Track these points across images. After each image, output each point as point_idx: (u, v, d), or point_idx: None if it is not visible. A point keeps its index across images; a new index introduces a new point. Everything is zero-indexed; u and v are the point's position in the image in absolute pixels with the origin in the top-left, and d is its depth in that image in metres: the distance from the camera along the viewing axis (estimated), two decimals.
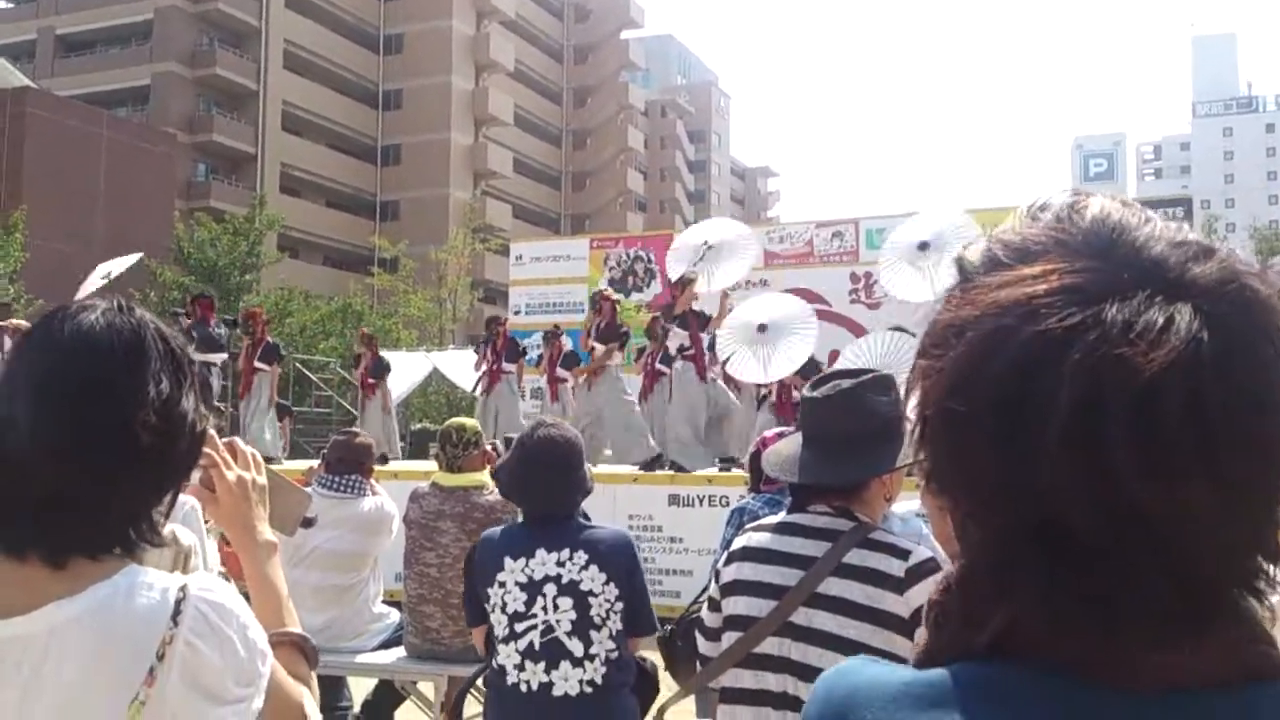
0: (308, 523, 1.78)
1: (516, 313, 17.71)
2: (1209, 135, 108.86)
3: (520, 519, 3.38)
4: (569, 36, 64.45)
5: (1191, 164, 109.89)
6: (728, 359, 9.07)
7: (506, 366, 12.25)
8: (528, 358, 15.28)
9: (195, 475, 1.42)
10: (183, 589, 1.20)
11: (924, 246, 8.38)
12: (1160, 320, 0.64)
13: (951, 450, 0.69)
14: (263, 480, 1.50)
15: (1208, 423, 0.63)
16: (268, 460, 6.18)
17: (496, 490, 4.62)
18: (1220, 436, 0.63)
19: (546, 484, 3.21)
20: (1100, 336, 0.63)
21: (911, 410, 0.75)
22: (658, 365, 10.45)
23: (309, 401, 25.90)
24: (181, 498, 1.44)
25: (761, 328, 8.84)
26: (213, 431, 1.45)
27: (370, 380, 13.20)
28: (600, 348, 10.59)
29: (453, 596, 4.49)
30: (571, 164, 64.15)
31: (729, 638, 2.31)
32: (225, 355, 12.31)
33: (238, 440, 1.50)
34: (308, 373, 25.93)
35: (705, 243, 10.26)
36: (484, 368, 12.25)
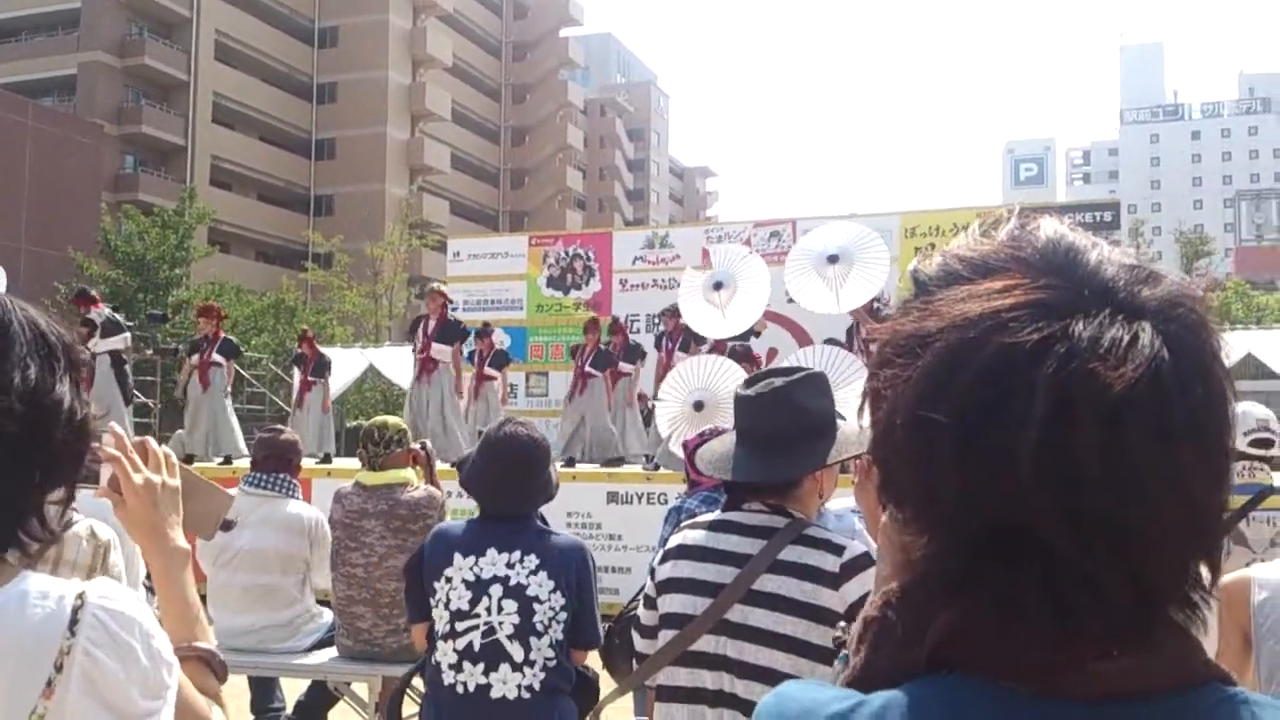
0: (227, 525, 1.70)
1: (454, 309, 17.56)
2: (1137, 141, 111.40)
3: (476, 516, 3.32)
4: (508, 33, 64.12)
5: (1120, 169, 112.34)
6: (794, 289, 8.75)
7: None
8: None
9: (104, 476, 1.36)
10: (80, 596, 1.13)
11: (833, 259, 8.42)
12: (1125, 338, 0.66)
13: (917, 457, 0.70)
14: (175, 483, 1.43)
15: (1172, 438, 0.65)
16: (227, 459, 6.08)
17: (421, 487, 4.58)
18: (1184, 451, 0.66)
19: (505, 482, 3.16)
20: (1070, 351, 0.65)
21: (870, 419, 0.76)
22: (587, 368, 11.27)
23: (241, 398, 25.43)
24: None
25: (833, 258, 8.46)
26: (121, 431, 1.40)
27: (311, 379, 12.97)
28: (630, 367, 11.65)
29: (382, 596, 4.44)
30: (510, 161, 63.85)
31: (665, 635, 2.31)
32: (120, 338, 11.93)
33: (150, 440, 1.43)
34: (239, 369, 25.48)
35: (716, 283, 9.87)
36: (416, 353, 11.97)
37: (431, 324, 11.25)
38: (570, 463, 10.31)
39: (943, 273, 0.74)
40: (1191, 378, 0.67)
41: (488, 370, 12.46)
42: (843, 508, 3.57)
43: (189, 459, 11.43)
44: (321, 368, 13.02)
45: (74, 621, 1.11)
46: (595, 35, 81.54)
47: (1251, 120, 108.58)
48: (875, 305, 9.75)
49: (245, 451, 11.61)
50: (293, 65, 50.72)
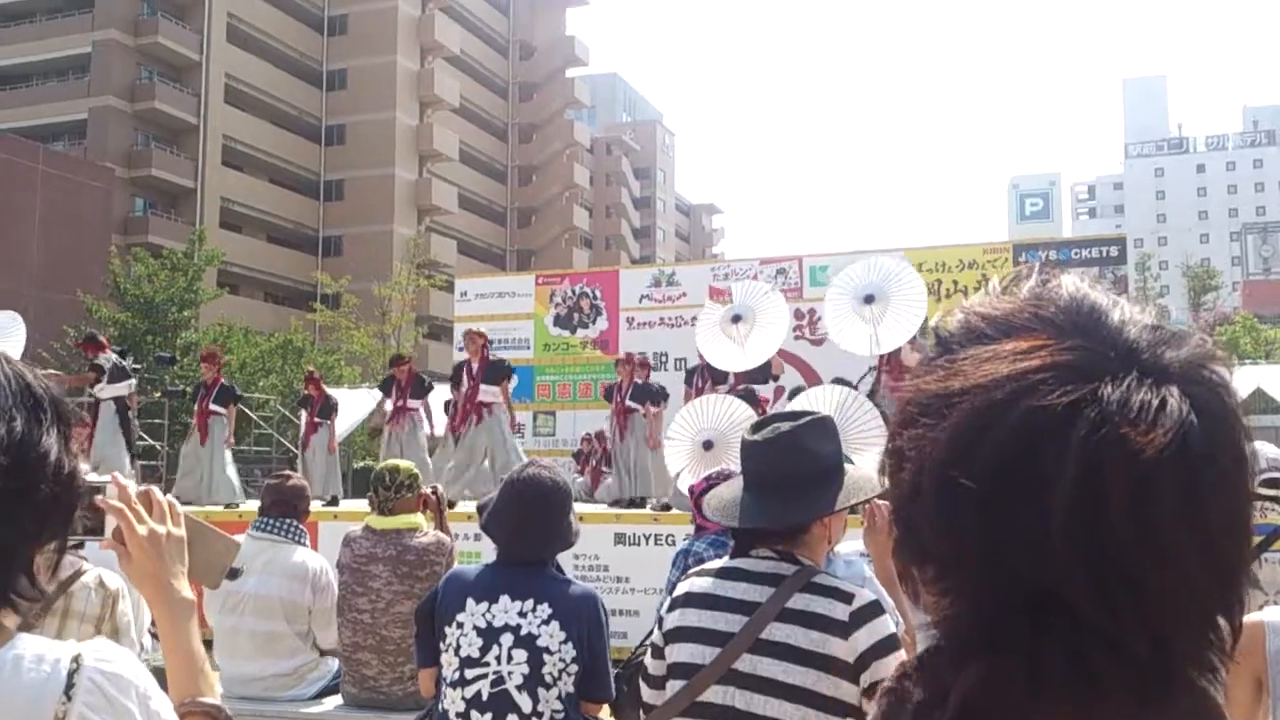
0: (233, 574, 1.66)
1: (461, 349, 17.58)
2: (1141, 175, 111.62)
3: (491, 561, 3.27)
4: (514, 74, 64.67)
5: (1125, 203, 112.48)
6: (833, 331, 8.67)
7: (412, 403, 11.91)
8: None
9: (109, 528, 1.34)
10: (76, 659, 1.11)
11: (869, 300, 8.42)
12: (1155, 402, 0.66)
13: (945, 518, 0.70)
14: (180, 532, 1.40)
15: (1201, 503, 0.65)
16: (228, 505, 6.03)
17: (431, 533, 4.55)
18: (1212, 516, 0.66)
19: (523, 525, 3.11)
20: (1101, 415, 0.65)
21: (891, 479, 0.75)
22: (627, 403, 11.19)
23: (248, 440, 25.46)
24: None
25: (869, 299, 8.38)
26: (125, 481, 1.38)
27: (317, 420, 12.88)
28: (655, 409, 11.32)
29: (388, 643, 4.39)
30: (517, 200, 64.20)
31: (673, 685, 2.28)
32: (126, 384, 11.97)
33: (154, 489, 1.40)
34: (247, 411, 25.47)
35: (735, 316, 9.77)
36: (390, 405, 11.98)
37: (474, 366, 10.96)
38: (632, 503, 10.32)
39: (965, 330, 0.74)
40: (1218, 441, 0.67)
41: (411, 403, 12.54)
42: (851, 550, 3.54)
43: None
44: (328, 409, 13.00)
45: (70, 685, 1.09)
46: (601, 75, 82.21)
47: (1256, 153, 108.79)
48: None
49: (240, 498, 11.59)
50: (301, 107, 51.19)
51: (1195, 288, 47.78)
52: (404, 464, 4.76)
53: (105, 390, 11.52)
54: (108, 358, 11.87)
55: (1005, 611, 0.67)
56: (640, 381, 11.67)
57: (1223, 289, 54.22)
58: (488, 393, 10.68)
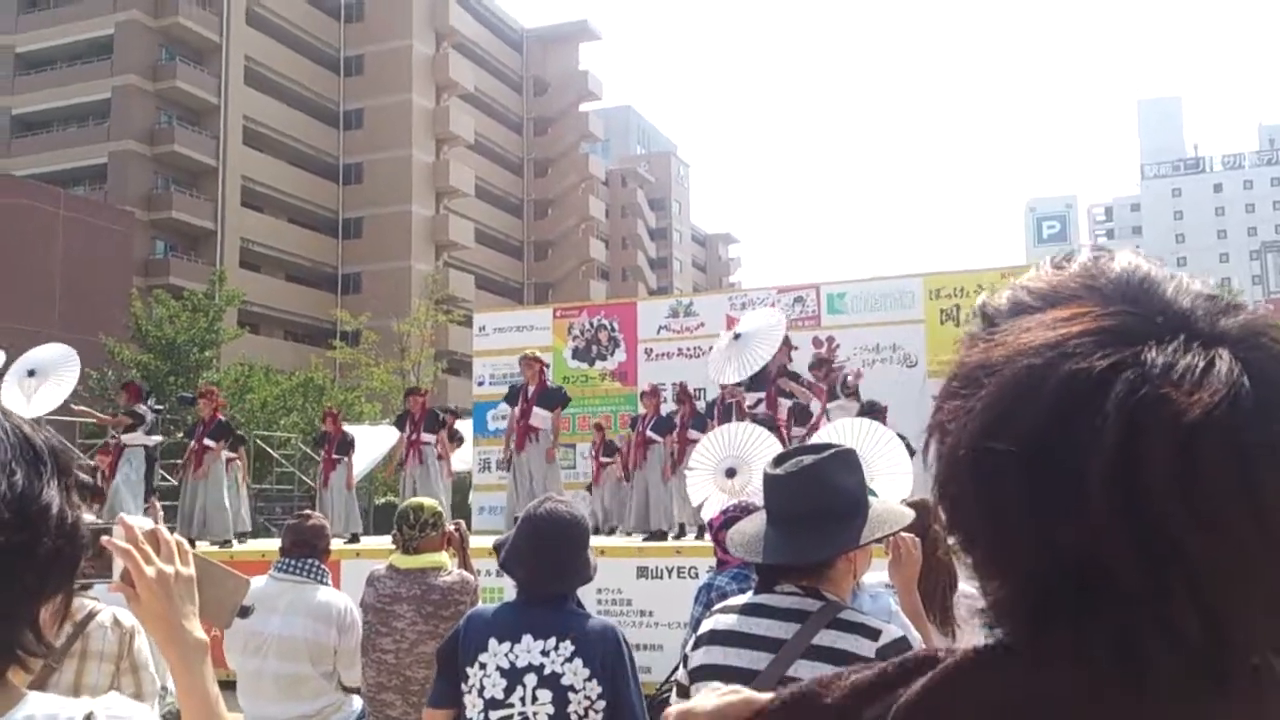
0: (244, 612, 1.63)
1: (480, 384, 17.64)
2: (1159, 196, 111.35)
3: (511, 600, 3.25)
4: (529, 109, 65.17)
5: (1143, 224, 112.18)
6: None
7: (426, 437, 12.08)
8: (494, 430, 15.69)
9: (117, 570, 1.33)
10: (88, 717, 1.10)
11: (737, 337, 9.77)
12: (1201, 364, 0.64)
13: (984, 492, 0.68)
14: (189, 571, 1.37)
15: (1251, 468, 0.62)
16: (223, 543, 5.97)
17: (456, 572, 4.52)
18: (1265, 482, 0.62)
19: (541, 560, 3.09)
20: (1141, 376, 0.63)
21: (934, 454, 0.73)
22: (648, 433, 11.49)
23: (270, 479, 25.52)
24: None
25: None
26: (131, 522, 1.37)
27: (335, 458, 12.99)
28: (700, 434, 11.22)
29: (412, 684, 4.36)
30: (533, 234, 64.51)
31: None
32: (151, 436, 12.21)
33: (161, 529, 1.38)
34: (269, 449, 25.58)
35: (735, 335, 10.23)
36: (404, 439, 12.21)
37: (531, 390, 10.93)
38: (655, 535, 10.66)
39: (1011, 304, 0.73)
40: (1274, 406, 0.63)
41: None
42: (876, 582, 3.50)
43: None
44: (345, 446, 13.05)
45: None
46: (615, 108, 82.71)
47: (1273, 171, 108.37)
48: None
49: (230, 533, 11.61)
50: (319, 147, 51.69)
51: None
52: (428, 502, 4.74)
53: (136, 438, 11.65)
54: (149, 408, 12.06)
55: (1052, 589, 0.65)
56: (666, 416, 11.85)
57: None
58: (539, 417, 10.76)
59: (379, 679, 4.45)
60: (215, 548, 10.85)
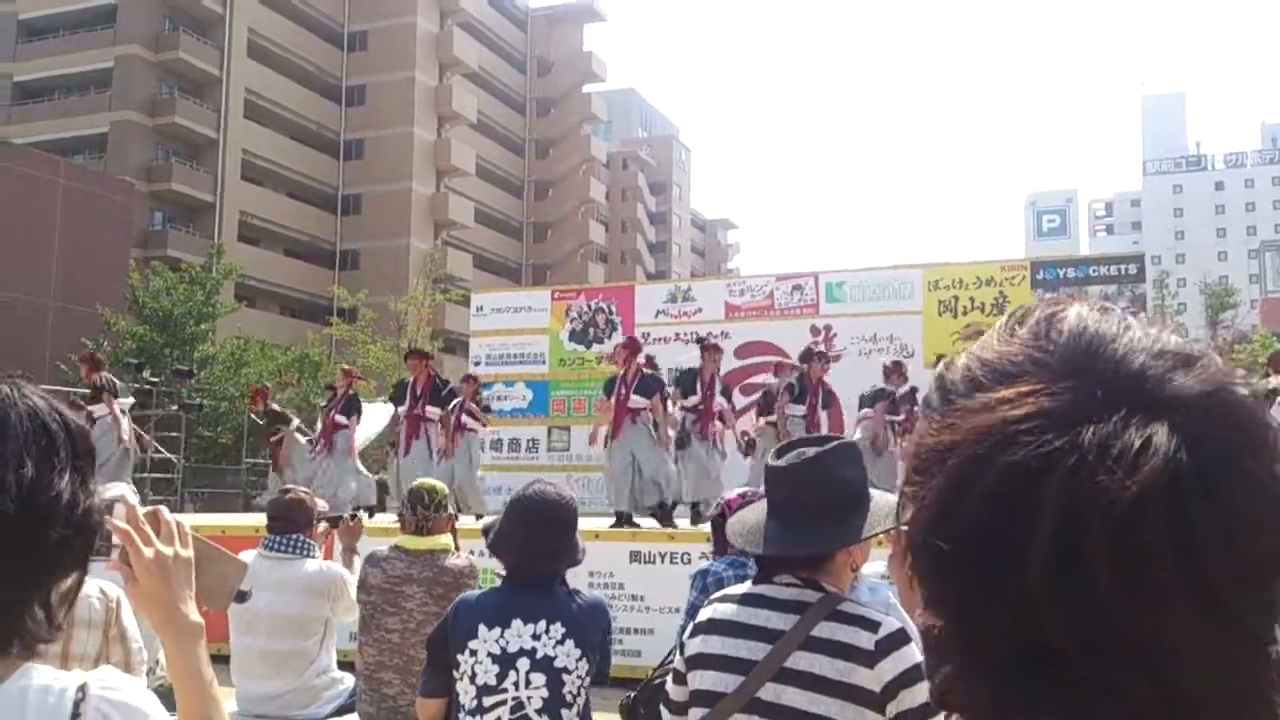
0: (241, 596, 1.62)
1: (477, 364, 17.62)
2: (1159, 192, 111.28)
3: (498, 584, 3.27)
4: (531, 89, 64.96)
5: (1143, 220, 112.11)
6: None
7: (430, 411, 11.34)
8: (496, 410, 15.64)
9: (115, 551, 1.33)
10: (82, 689, 1.11)
11: None
12: (1137, 443, 0.62)
13: (937, 581, 0.68)
14: (188, 554, 1.36)
15: (1192, 544, 0.61)
16: (353, 512, 5.98)
17: (463, 555, 4.55)
18: (1208, 559, 0.61)
19: (531, 542, 3.11)
20: (1077, 464, 0.62)
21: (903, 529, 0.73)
22: (634, 397, 10.16)
23: (265, 453, 25.51)
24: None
25: None
26: (134, 502, 1.37)
27: (339, 420, 12.02)
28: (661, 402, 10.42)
29: (414, 663, 4.37)
30: (533, 215, 64.40)
31: (695, 713, 2.25)
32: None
33: (162, 509, 1.38)
34: (259, 422, 25.58)
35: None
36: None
37: (628, 375, 10.27)
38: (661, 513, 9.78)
39: (964, 380, 0.70)
40: (1219, 477, 0.62)
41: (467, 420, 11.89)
42: (875, 573, 3.50)
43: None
44: (351, 406, 12.33)
45: (75, 715, 1.09)
46: (617, 91, 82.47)
47: (1275, 170, 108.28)
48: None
49: (358, 502, 11.34)
50: (321, 122, 51.53)
51: (1213, 305, 47.57)
52: (439, 484, 4.77)
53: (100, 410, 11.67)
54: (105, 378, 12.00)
55: (1006, 675, 0.65)
56: (648, 372, 10.55)
57: (1241, 306, 53.95)
58: (637, 402, 10.19)
59: (379, 657, 4.47)
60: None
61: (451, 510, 4.72)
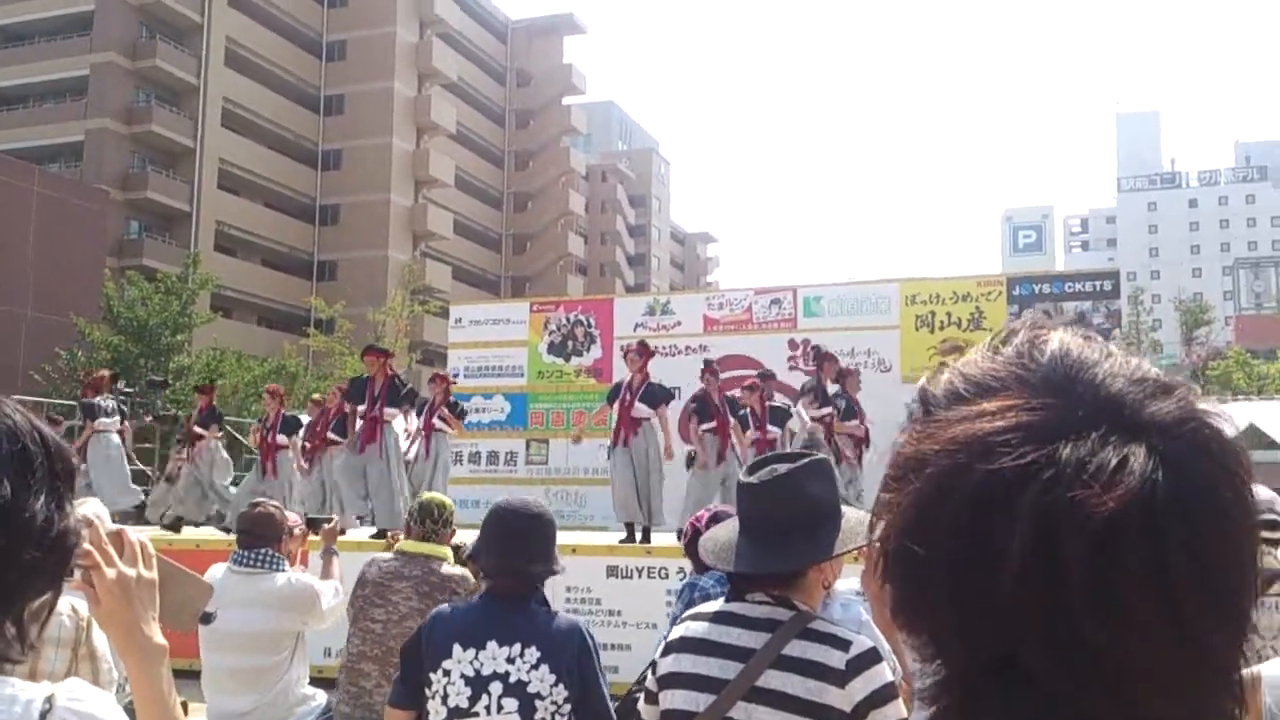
0: (206, 618, 1.61)
1: (455, 376, 17.55)
2: (1134, 209, 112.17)
3: (476, 599, 3.25)
4: (511, 101, 64.96)
5: (1118, 237, 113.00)
6: None
7: (388, 411, 10.57)
8: (474, 424, 15.72)
9: (78, 570, 1.32)
10: (49, 700, 1.10)
11: None
12: (1114, 461, 0.63)
13: (911, 587, 0.69)
14: (151, 575, 1.35)
15: (1165, 566, 0.62)
16: (311, 523, 5.96)
17: (459, 568, 4.57)
18: (1179, 581, 0.62)
19: (509, 551, 3.10)
20: (1054, 477, 0.63)
21: (878, 534, 0.73)
22: (638, 405, 9.99)
23: (239, 465, 25.33)
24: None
25: None
26: (99, 522, 1.35)
27: (279, 439, 11.85)
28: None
29: (393, 655, 4.35)
30: (512, 227, 64.33)
31: None
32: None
33: (126, 530, 1.36)
34: (239, 436, 25.40)
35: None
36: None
37: (635, 383, 10.13)
38: (646, 534, 9.52)
39: (946, 393, 0.72)
40: (1194, 503, 0.63)
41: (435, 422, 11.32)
42: (848, 589, 3.50)
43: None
44: (290, 425, 12.22)
45: None
46: (597, 103, 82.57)
47: (1249, 188, 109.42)
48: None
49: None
50: (299, 132, 51.34)
51: (1188, 322, 47.87)
52: (448, 500, 4.82)
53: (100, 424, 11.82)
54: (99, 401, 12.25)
55: (976, 682, 0.66)
56: (654, 382, 10.29)
57: (1215, 323, 54.38)
58: (642, 411, 10.00)
59: (362, 648, 4.51)
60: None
61: (454, 527, 4.77)
